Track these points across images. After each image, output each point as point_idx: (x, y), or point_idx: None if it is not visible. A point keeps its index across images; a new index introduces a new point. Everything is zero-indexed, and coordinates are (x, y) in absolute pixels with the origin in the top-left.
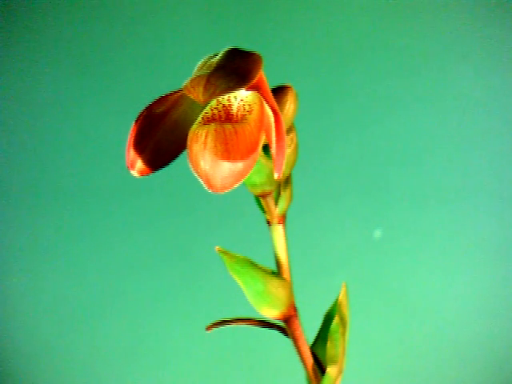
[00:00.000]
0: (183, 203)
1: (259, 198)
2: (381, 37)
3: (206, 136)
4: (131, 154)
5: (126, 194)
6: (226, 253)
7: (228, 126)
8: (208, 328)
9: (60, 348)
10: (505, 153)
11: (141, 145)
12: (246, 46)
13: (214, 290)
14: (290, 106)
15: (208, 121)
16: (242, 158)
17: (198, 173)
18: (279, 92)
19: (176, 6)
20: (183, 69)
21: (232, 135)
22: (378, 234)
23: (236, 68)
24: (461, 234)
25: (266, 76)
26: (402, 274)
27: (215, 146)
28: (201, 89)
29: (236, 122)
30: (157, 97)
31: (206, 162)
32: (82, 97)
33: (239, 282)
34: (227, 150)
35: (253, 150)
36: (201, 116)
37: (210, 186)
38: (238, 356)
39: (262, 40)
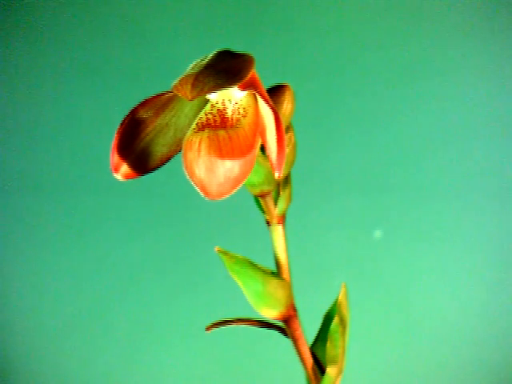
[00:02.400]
0: (183, 203)
1: (258, 198)
2: (379, 36)
3: (200, 143)
4: (115, 158)
5: (125, 193)
6: (225, 253)
7: (221, 133)
8: (208, 328)
9: (59, 349)
10: (504, 152)
11: (127, 148)
12: (244, 46)
13: (214, 290)
14: (287, 105)
15: (203, 126)
16: (238, 163)
17: (193, 180)
18: (276, 91)
19: (175, 6)
20: (182, 69)
21: (226, 141)
22: (378, 233)
23: (226, 67)
24: (461, 234)
25: (263, 75)
26: (402, 274)
27: (209, 154)
28: (188, 86)
29: (231, 125)
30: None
31: (200, 169)
32: (82, 94)
33: (239, 282)
34: (222, 157)
35: (248, 154)
36: (195, 122)
37: (206, 193)
38: (238, 356)
39: (260, 39)
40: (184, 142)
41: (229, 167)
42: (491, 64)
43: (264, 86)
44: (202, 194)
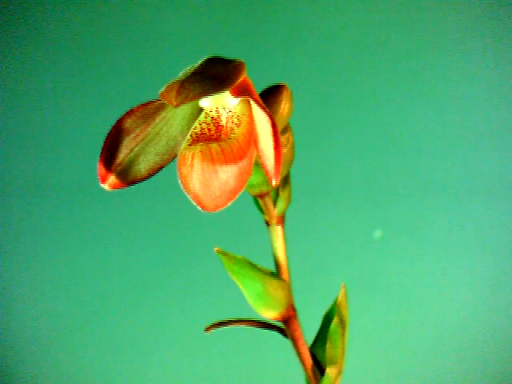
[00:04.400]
0: (182, 203)
1: (257, 199)
2: (380, 36)
3: (193, 158)
4: (103, 170)
5: (125, 194)
6: (224, 253)
7: (214, 146)
8: (207, 329)
9: (60, 351)
10: (506, 151)
11: (115, 159)
12: (243, 46)
13: (213, 291)
14: (285, 105)
15: (197, 137)
16: (233, 176)
17: (188, 194)
18: (274, 91)
19: (175, 7)
20: (181, 69)
21: (219, 154)
22: (378, 233)
23: (214, 73)
24: (461, 234)
25: (262, 75)
26: (402, 274)
27: (202, 168)
28: (174, 93)
29: (226, 134)
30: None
31: (194, 184)
32: (84, 95)
33: (238, 282)
34: (215, 171)
35: (243, 166)
36: (189, 133)
37: (203, 207)
38: (238, 357)
39: (259, 39)
40: (178, 156)
41: (223, 180)
42: (492, 64)
43: (262, 88)
44: (198, 208)
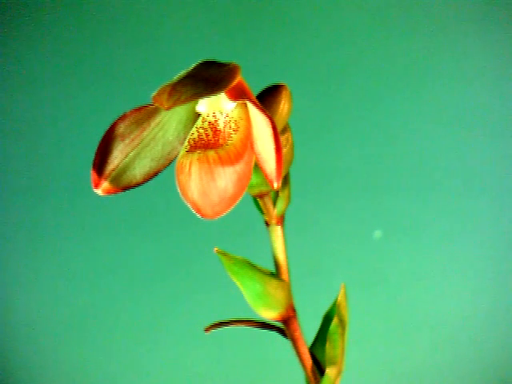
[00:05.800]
0: (181, 203)
1: (257, 199)
2: (378, 35)
3: (190, 166)
4: (96, 174)
5: (125, 193)
6: (224, 254)
7: (211, 153)
8: (207, 329)
9: (60, 350)
10: (505, 152)
11: (109, 165)
12: (243, 46)
13: (213, 292)
14: (284, 105)
15: (195, 143)
16: (231, 183)
17: (187, 202)
18: (273, 91)
19: (175, 7)
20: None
21: (216, 161)
22: (378, 234)
23: (207, 76)
24: (461, 234)
25: (261, 74)
26: (402, 275)
27: (200, 176)
28: (165, 95)
29: (224, 139)
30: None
31: (193, 192)
32: (84, 94)
33: (238, 283)
34: (213, 179)
35: (241, 172)
36: (187, 140)
37: (202, 214)
38: (237, 357)
39: (258, 39)
40: (176, 164)
41: (222, 187)
42: (492, 64)
43: (261, 88)
44: (197, 216)
